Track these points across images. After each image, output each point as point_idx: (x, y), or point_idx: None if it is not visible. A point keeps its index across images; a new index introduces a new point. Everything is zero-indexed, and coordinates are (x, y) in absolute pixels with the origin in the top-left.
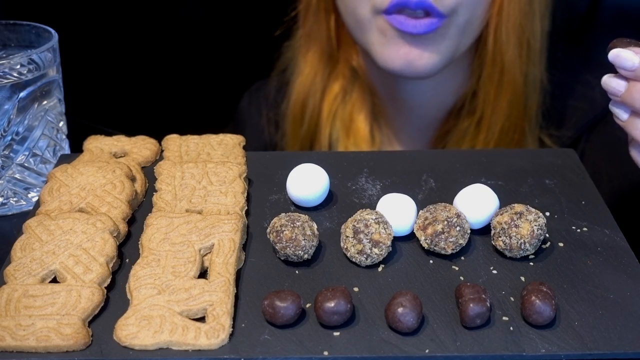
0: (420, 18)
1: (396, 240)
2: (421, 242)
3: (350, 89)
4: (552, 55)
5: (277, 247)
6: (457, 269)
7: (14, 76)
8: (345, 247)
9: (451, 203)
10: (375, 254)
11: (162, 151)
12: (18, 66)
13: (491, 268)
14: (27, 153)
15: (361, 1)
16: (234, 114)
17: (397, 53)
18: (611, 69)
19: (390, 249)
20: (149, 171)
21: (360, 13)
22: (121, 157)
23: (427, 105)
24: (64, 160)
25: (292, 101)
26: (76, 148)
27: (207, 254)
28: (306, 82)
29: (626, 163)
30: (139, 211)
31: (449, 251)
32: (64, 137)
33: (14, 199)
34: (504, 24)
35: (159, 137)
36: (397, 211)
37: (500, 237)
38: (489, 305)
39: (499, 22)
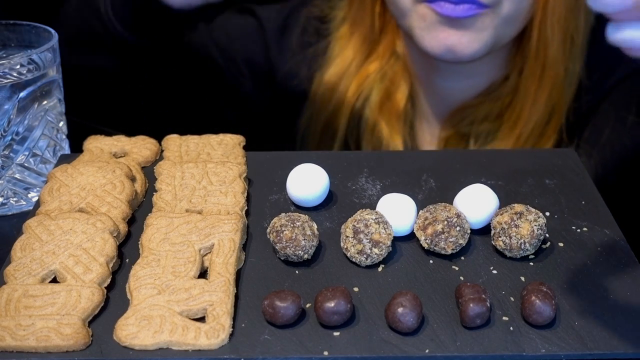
0: (460, 4)
1: (396, 240)
2: (421, 242)
3: (389, 69)
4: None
5: (277, 247)
6: (457, 269)
7: (14, 76)
8: (345, 247)
9: (451, 203)
10: (375, 254)
11: (162, 151)
12: (18, 66)
13: (491, 268)
14: (27, 153)
15: None
16: None
17: (437, 38)
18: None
19: (390, 249)
20: (149, 171)
21: (401, 2)
22: (121, 157)
23: (462, 89)
24: (64, 160)
25: (324, 81)
26: (76, 148)
27: (207, 254)
28: (343, 65)
29: (632, 128)
30: (139, 211)
31: (449, 251)
32: (64, 137)
33: (14, 199)
34: (549, 19)
35: (159, 137)
36: (397, 211)
37: (500, 237)
38: (489, 305)
39: (543, 17)
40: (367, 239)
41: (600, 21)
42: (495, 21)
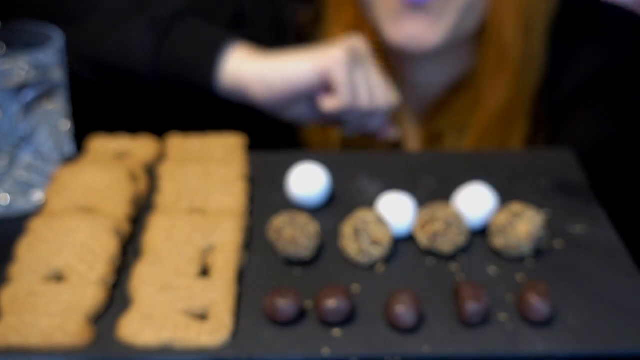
0: None
1: (396, 240)
2: (420, 242)
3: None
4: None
5: (277, 247)
6: (455, 268)
7: (20, 77)
8: (344, 246)
9: (450, 203)
10: (375, 253)
11: (164, 151)
12: (24, 67)
13: (489, 267)
14: (32, 153)
15: None
16: None
17: (403, 28)
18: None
19: (390, 249)
20: (151, 171)
21: None
22: (124, 157)
23: (435, 84)
24: (68, 160)
25: None
26: (80, 148)
27: (209, 253)
28: None
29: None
30: (141, 211)
31: (448, 250)
32: (68, 137)
33: (19, 199)
34: (505, 3)
35: (161, 137)
36: (397, 211)
37: (498, 236)
38: (487, 303)
39: (499, 1)
40: (367, 239)
41: (567, 13)
42: (456, 7)
